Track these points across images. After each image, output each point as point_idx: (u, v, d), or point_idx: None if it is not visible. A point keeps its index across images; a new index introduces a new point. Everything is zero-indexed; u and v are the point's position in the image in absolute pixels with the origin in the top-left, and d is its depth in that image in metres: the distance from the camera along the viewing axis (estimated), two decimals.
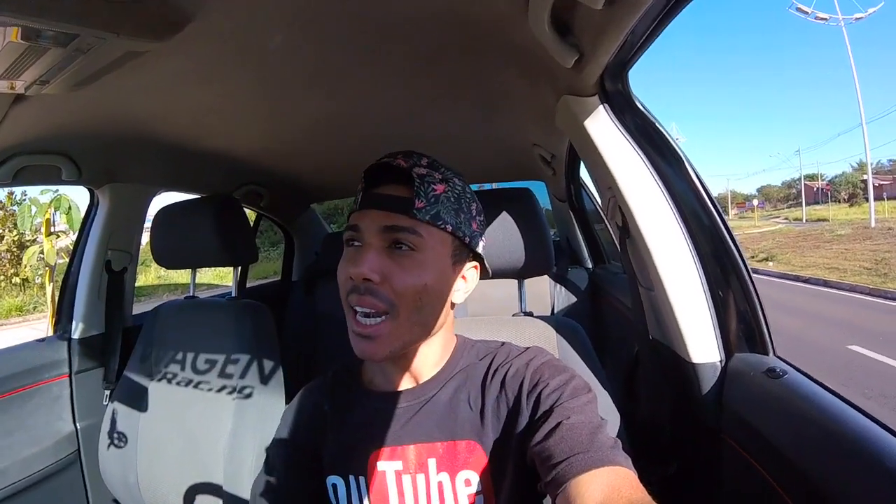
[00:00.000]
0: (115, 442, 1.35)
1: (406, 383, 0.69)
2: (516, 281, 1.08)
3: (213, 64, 0.94)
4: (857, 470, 0.56)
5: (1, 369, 1.32)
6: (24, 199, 7.69)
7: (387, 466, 0.66)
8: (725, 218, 0.89)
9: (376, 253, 0.61)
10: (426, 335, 0.66)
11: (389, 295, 0.60)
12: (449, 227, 0.63)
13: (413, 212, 0.61)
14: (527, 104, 1.21)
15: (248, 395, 1.26)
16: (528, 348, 0.71)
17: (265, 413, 1.26)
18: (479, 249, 0.69)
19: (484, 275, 0.72)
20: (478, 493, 0.63)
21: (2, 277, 10.13)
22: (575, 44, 0.75)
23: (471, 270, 0.69)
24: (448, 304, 0.67)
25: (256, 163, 1.74)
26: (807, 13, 24.34)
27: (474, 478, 0.63)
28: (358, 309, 0.61)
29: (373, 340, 0.60)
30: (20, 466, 1.29)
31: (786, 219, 35.70)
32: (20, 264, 9.45)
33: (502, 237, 0.97)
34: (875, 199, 21.35)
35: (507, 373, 0.66)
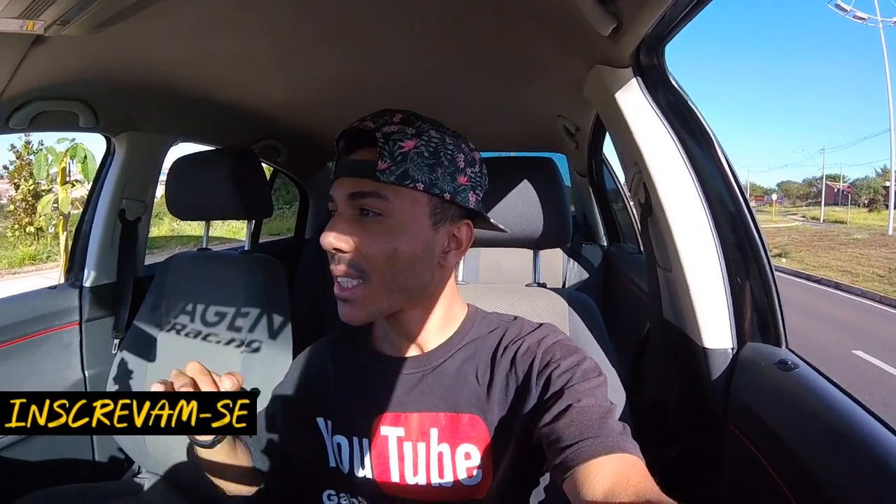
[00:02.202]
0: (123, 391, 1.37)
1: (411, 350, 0.69)
2: (530, 252, 1.07)
3: (236, 13, 0.92)
4: (860, 470, 0.55)
5: (12, 316, 1.33)
6: (41, 148, 7.72)
7: (389, 431, 0.66)
8: (752, 206, 0.88)
9: (344, 222, 0.61)
10: (411, 300, 0.65)
11: (360, 262, 0.60)
12: (420, 186, 0.59)
13: (376, 174, 0.58)
14: (556, 72, 1.18)
15: (256, 349, 1.27)
16: (540, 325, 0.69)
17: (272, 367, 1.27)
18: (472, 205, 0.64)
19: (492, 228, 0.71)
20: (477, 467, 0.63)
21: (16, 226, 10.24)
22: (614, 11, 0.72)
23: (463, 229, 0.66)
24: (434, 268, 0.64)
25: (276, 117, 1.72)
26: (846, 11, 23.56)
27: (474, 452, 0.64)
28: (336, 275, 0.62)
29: (349, 304, 0.62)
30: None
31: (803, 217, 35.17)
32: (35, 213, 9.55)
33: (521, 206, 0.95)
34: None
35: (518, 350, 0.65)
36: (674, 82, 0.88)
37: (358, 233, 0.60)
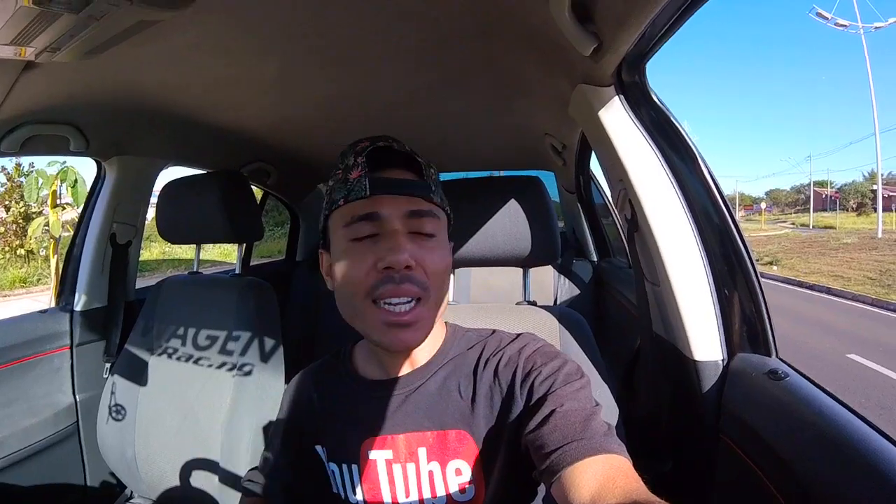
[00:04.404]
0: (114, 415, 1.36)
1: (400, 370, 0.69)
2: (520, 270, 1.07)
3: (226, 37, 0.93)
4: (855, 477, 0.55)
5: (3, 340, 1.32)
6: (32, 171, 7.70)
7: (378, 455, 0.66)
8: (737, 218, 0.89)
9: (407, 239, 0.60)
10: (439, 317, 0.67)
11: (423, 278, 0.60)
12: (447, 209, 0.67)
13: (430, 195, 0.62)
14: (541, 91, 1.19)
15: (248, 373, 1.26)
16: (519, 335, 0.70)
17: (264, 391, 1.26)
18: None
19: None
20: (469, 482, 0.63)
21: (7, 249, 10.17)
22: (594, 32, 0.74)
23: (452, 247, 0.70)
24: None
25: (265, 140, 1.73)
26: (827, 19, 24.04)
27: (465, 467, 0.64)
28: (393, 301, 0.58)
29: (411, 327, 0.60)
30: (19, 437, 1.29)
31: (792, 224, 35.45)
32: (25, 236, 9.49)
33: (509, 225, 0.96)
34: (883, 210, 21.18)
35: (499, 362, 0.66)
36: (656, 99, 0.90)
37: (419, 250, 0.60)
